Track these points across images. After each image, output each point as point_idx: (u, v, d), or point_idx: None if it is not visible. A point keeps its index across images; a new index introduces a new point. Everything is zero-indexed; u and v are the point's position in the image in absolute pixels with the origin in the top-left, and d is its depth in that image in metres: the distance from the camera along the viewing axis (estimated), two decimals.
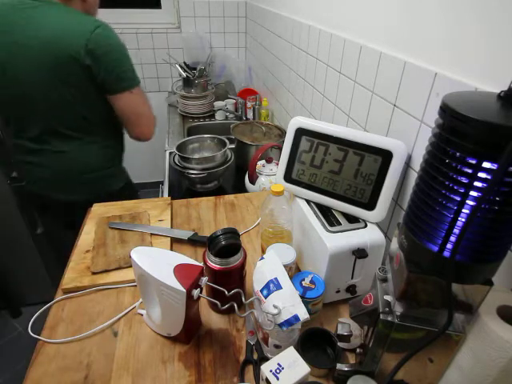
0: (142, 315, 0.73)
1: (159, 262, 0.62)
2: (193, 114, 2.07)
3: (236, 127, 1.56)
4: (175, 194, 1.33)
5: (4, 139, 1.47)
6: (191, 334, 0.69)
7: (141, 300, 0.75)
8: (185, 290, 0.57)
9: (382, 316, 0.50)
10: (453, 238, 0.40)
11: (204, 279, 0.62)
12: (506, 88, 0.37)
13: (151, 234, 0.93)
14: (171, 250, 0.91)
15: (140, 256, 0.63)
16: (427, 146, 0.43)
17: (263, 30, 1.89)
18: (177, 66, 2.08)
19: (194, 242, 0.93)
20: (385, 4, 0.79)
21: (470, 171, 0.37)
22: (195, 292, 0.59)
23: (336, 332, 0.66)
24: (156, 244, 0.91)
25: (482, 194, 0.36)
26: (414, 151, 0.72)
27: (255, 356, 0.67)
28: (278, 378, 0.51)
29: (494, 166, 0.36)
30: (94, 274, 0.81)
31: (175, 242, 0.94)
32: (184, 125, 1.99)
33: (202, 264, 0.64)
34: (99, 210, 1.04)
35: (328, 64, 1.09)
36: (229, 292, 0.60)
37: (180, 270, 0.60)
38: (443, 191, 0.40)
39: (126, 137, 1.22)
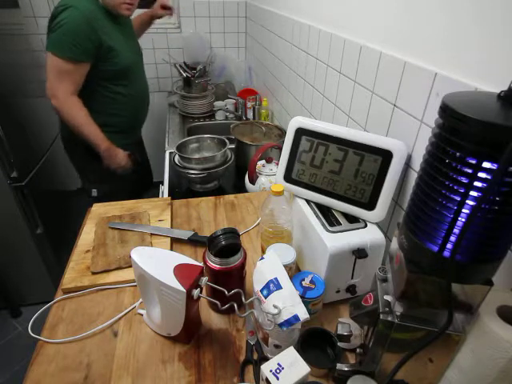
0: (141, 315, 0.73)
1: (159, 262, 0.62)
2: (193, 114, 2.07)
3: (236, 127, 1.56)
4: (175, 194, 1.33)
5: (4, 139, 1.47)
6: (191, 334, 0.69)
7: (141, 300, 0.74)
8: (185, 290, 0.57)
9: (382, 316, 0.50)
10: (453, 238, 0.40)
11: (204, 279, 0.62)
12: (505, 88, 0.37)
13: (151, 234, 0.93)
14: (171, 250, 0.91)
15: (140, 256, 0.63)
16: (427, 146, 0.43)
17: (263, 29, 1.89)
18: (177, 66, 2.08)
19: (194, 242, 0.93)
20: (385, 4, 0.79)
21: (470, 171, 0.37)
22: (195, 292, 0.59)
23: (336, 332, 0.66)
24: (156, 244, 0.91)
25: (482, 194, 0.36)
26: (413, 151, 0.72)
27: (255, 356, 0.67)
28: (277, 378, 0.51)
29: (494, 166, 0.36)
30: (93, 273, 0.81)
31: (175, 242, 0.94)
32: (184, 125, 1.98)
33: (201, 264, 0.64)
34: (99, 210, 1.04)
35: (328, 64, 1.09)
36: (229, 292, 0.60)
37: (180, 270, 0.60)
38: (443, 191, 0.40)
39: None
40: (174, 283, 0.58)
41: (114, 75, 1.35)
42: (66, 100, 1.27)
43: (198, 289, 0.60)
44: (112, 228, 0.95)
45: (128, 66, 1.39)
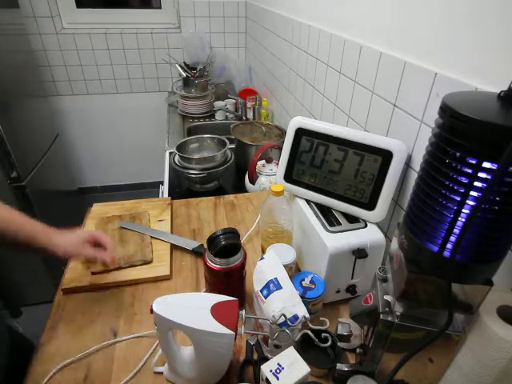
0: (161, 373, 0.64)
1: (189, 309, 0.55)
2: (193, 114, 2.07)
3: (236, 127, 1.56)
4: (175, 194, 1.33)
5: (4, 139, 1.47)
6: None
7: (157, 357, 0.65)
8: (233, 333, 0.52)
9: (382, 316, 0.50)
10: (453, 238, 0.40)
11: (243, 313, 0.56)
12: (506, 88, 0.37)
13: (151, 236, 0.93)
14: (171, 253, 0.90)
15: (164, 308, 0.54)
16: (427, 146, 0.43)
17: (263, 30, 1.89)
18: (177, 65, 2.08)
19: (197, 253, 0.89)
20: (385, 4, 0.79)
21: (470, 171, 0.37)
22: (240, 329, 0.54)
23: (336, 332, 0.66)
24: (156, 246, 0.90)
25: (482, 194, 0.36)
26: (413, 151, 0.72)
27: (255, 356, 0.67)
28: (277, 378, 0.51)
29: (494, 166, 0.36)
30: (93, 274, 0.81)
31: (175, 247, 0.92)
32: (184, 125, 1.98)
33: (235, 298, 0.57)
34: (99, 210, 1.04)
35: (328, 64, 1.09)
36: (232, 295, 0.59)
37: (217, 311, 0.54)
38: (443, 191, 0.40)
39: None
40: (219, 328, 0.52)
41: None
42: None
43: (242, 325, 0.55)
44: (112, 228, 0.95)
45: None
